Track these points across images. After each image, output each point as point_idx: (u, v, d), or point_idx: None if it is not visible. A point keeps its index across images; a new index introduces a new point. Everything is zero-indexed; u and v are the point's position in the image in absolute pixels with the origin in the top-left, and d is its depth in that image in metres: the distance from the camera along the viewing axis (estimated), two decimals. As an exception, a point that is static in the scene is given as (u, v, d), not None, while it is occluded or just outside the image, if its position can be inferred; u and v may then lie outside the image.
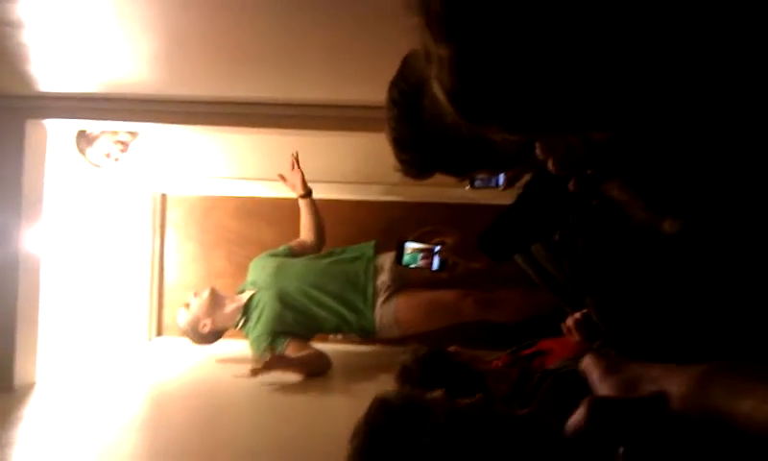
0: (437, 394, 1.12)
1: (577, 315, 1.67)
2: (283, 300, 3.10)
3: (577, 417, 0.82)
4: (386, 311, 3.07)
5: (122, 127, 3.06)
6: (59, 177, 3.01)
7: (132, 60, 2.20)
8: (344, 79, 2.30)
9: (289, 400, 2.73)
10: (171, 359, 3.41)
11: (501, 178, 1.61)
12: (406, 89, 1.32)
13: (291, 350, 3.01)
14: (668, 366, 0.87)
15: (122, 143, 3.18)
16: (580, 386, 1.62)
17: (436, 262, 1.89)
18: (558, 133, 0.73)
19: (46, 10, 1.77)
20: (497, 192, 1.68)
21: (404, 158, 1.40)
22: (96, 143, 3.14)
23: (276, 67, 2.22)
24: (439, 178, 1.49)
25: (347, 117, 2.54)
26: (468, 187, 1.62)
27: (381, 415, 1.12)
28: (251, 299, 3.17)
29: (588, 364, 0.95)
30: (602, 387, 0.89)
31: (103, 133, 3.13)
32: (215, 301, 3.17)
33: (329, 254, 3.30)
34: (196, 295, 3.23)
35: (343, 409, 2.60)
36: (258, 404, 2.68)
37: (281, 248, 3.37)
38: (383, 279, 3.13)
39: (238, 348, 3.41)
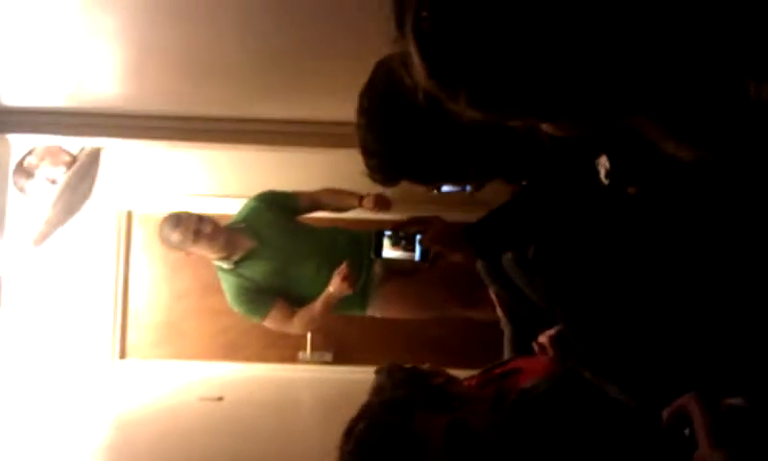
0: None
1: (551, 331, 1.65)
2: (285, 273, 2.86)
3: None
4: (375, 295, 2.96)
5: (87, 143, 2.96)
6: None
7: (97, 74, 2.16)
8: (314, 95, 2.29)
9: (257, 422, 2.67)
10: (135, 383, 3.33)
11: None
12: (374, 98, 1.33)
13: (277, 310, 2.81)
14: None
15: (67, 158, 2.99)
16: (554, 408, 1.60)
17: (418, 252, 1.83)
18: (524, 114, 0.71)
19: (9, 22, 1.72)
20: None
21: (371, 165, 1.41)
22: (37, 173, 2.99)
23: (244, 83, 2.20)
24: (429, 196, 1.49)
25: (319, 133, 2.52)
26: (435, 191, 1.61)
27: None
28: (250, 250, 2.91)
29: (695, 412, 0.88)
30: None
31: (41, 160, 3.00)
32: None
33: (336, 230, 3.04)
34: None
35: (313, 433, 2.56)
36: (224, 428, 2.62)
37: (290, 198, 3.00)
38: (377, 265, 3.03)
39: (203, 370, 3.34)
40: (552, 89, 0.66)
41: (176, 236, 2.78)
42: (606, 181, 1.20)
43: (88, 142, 2.91)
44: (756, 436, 0.80)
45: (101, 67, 2.10)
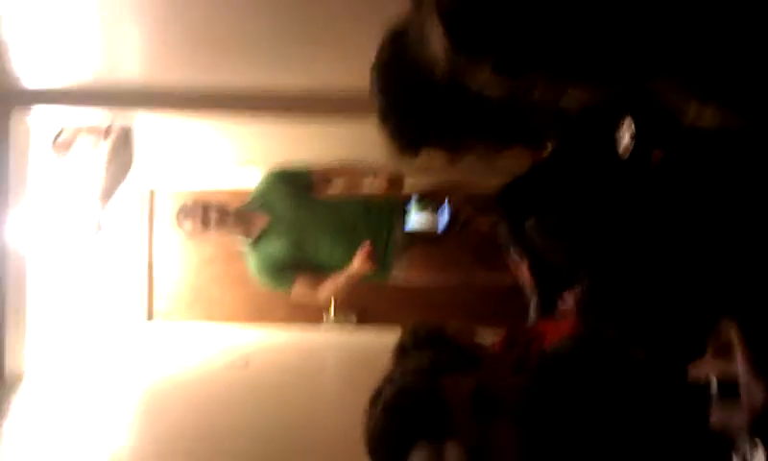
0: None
1: (575, 292, 1.64)
2: (301, 246, 2.87)
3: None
4: (397, 263, 2.96)
5: (107, 116, 2.98)
6: (44, 167, 2.96)
7: (114, 48, 2.15)
8: (335, 63, 2.25)
9: (282, 386, 2.70)
10: (162, 345, 3.39)
11: None
12: (386, 58, 1.30)
13: (300, 284, 2.84)
14: None
15: (102, 128, 3.06)
16: (577, 369, 1.60)
17: (443, 221, 1.80)
18: (555, 78, 0.69)
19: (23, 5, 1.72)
20: None
21: (386, 130, 1.38)
22: (75, 144, 3.03)
23: (264, 53, 2.18)
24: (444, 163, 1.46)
25: (341, 103, 2.48)
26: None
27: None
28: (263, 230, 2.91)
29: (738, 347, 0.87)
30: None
31: (77, 133, 3.03)
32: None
33: (354, 202, 2.98)
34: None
35: (338, 396, 2.58)
36: (250, 392, 2.66)
37: (302, 174, 2.98)
38: (400, 232, 3.01)
39: (229, 333, 3.39)
40: (576, 49, 0.64)
41: (187, 228, 2.85)
42: (627, 151, 1.18)
43: (107, 115, 2.92)
44: None
45: (118, 42, 2.09)
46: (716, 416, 0.74)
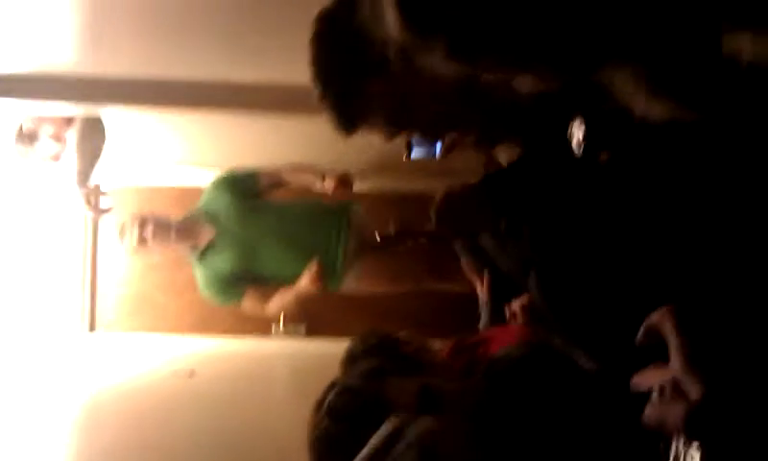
0: None
1: (523, 298, 1.66)
2: (248, 258, 2.84)
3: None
4: (348, 271, 2.94)
5: (50, 108, 2.89)
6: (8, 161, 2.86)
7: (58, 36, 2.09)
8: (291, 56, 2.23)
9: (229, 396, 2.65)
10: (105, 357, 3.29)
11: (438, 146, 1.57)
12: (323, 29, 1.28)
13: (248, 299, 2.83)
14: None
15: (64, 120, 2.98)
16: (523, 375, 1.61)
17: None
18: (508, 63, 0.69)
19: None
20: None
21: (324, 103, 1.35)
22: (40, 133, 2.94)
23: (216, 44, 2.14)
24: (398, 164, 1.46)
25: (293, 98, 2.44)
26: (405, 159, 1.58)
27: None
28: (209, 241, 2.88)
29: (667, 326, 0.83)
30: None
31: (41, 123, 2.96)
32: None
33: (301, 204, 2.99)
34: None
35: (287, 406, 2.55)
36: (196, 402, 2.60)
37: (249, 179, 2.95)
38: (352, 240, 3.00)
39: (174, 344, 3.31)
40: (528, 34, 0.64)
41: (126, 245, 2.84)
42: (580, 148, 1.19)
43: (51, 107, 2.84)
44: (732, 363, 0.77)
45: (62, 29, 2.03)
46: (652, 412, 0.73)
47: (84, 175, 2.91)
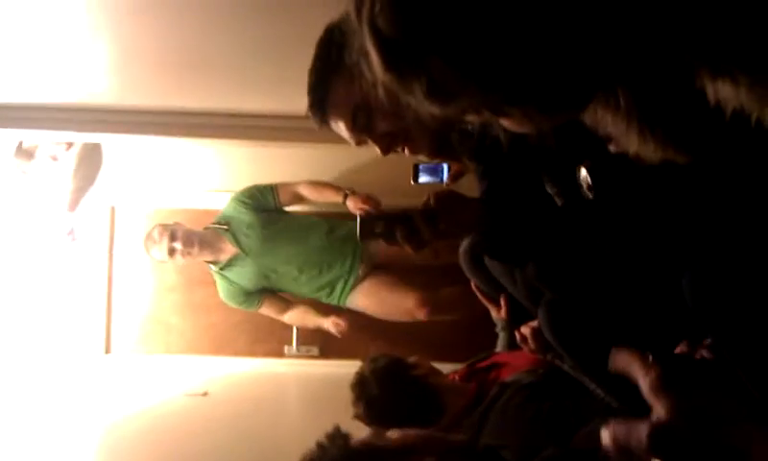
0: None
1: (534, 323, 1.67)
2: (267, 276, 3.05)
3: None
4: (354, 293, 3.09)
5: (71, 137, 2.95)
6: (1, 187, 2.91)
7: (82, 68, 2.14)
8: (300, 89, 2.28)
9: (243, 417, 2.67)
10: (120, 379, 3.31)
11: (446, 172, 1.58)
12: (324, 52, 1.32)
13: (266, 307, 3.10)
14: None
15: (54, 155, 3.03)
16: (539, 400, 1.62)
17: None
18: (480, 104, 0.69)
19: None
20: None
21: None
22: (38, 152, 3.01)
23: (231, 76, 2.19)
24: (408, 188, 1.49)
25: (303, 127, 2.50)
26: (412, 182, 1.59)
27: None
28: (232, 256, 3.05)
29: (636, 368, 0.84)
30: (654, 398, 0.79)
31: (42, 141, 3.00)
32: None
33: (320, 226, 3.09)
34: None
35: (299, 427, 2.56)
36: (210, 423, 2.62)
37: (269, 193, 3.08)
38: (365, 259, 3.08)
39: (189, 365, 3.33)
40: (510, 74, 0.64)
41: (155, 255, 3.02)
42: (590, 192, 1.20)
43: (72, 137, 2.90)
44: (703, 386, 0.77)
45: (85, 62, 2.08)
46: (617, 431, 0.73)
47: (76, 200, 3.01)
